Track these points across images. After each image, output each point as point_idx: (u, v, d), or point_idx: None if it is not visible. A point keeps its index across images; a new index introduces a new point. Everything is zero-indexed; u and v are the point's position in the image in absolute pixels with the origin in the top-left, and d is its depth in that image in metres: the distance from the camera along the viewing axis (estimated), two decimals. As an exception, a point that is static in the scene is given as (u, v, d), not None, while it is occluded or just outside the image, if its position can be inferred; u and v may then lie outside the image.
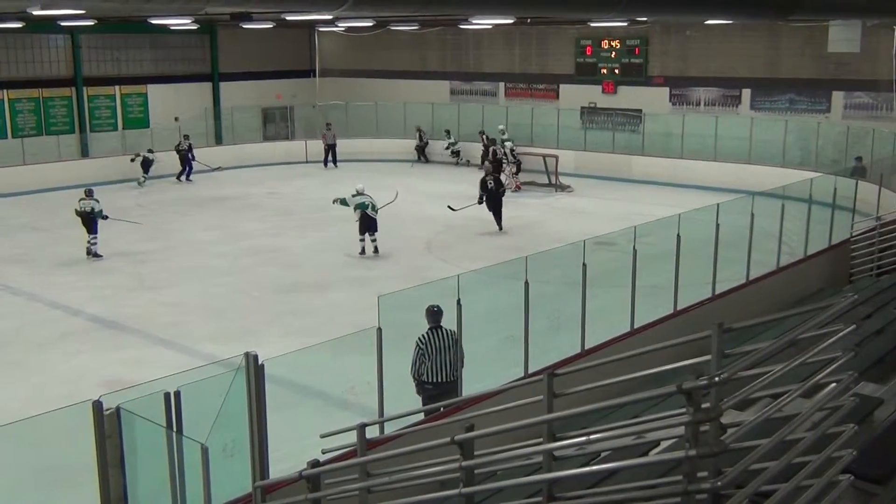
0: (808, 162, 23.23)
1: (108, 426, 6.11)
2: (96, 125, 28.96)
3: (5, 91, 26.97)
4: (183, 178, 26.88)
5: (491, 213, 19.73)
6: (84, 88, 28.52)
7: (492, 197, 19.70)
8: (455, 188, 23.99)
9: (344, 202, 17.90)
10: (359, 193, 17.77)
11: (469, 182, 24.39)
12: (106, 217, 17.83)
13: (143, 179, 25.90)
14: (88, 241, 17.58)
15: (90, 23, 25.12)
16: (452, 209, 20.36)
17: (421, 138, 30.18)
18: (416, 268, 16.38)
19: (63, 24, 25.87)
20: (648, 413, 5.71)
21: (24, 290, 15.40)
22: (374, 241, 17.60)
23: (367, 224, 17.56)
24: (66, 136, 28.02)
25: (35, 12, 15.66)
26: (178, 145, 27.17)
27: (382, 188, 22.60)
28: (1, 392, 10.96)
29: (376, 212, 17.58)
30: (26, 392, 10.88)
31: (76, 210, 17.80)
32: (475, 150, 27.87)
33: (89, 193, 18.12)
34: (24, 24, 24.17)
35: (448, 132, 29.43)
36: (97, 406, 6.06)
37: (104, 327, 13.53)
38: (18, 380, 11.44)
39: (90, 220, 17.59)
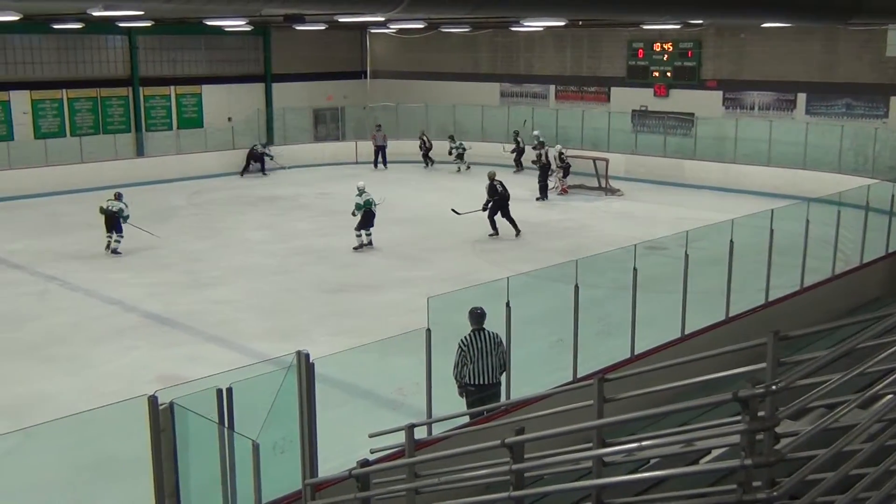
0: (864, 168, 22.78)
1: (163, 421, 6.21)
2: (151, 125, 29.48)
3: (64, 91, 27.56)
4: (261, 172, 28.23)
5: (490, 219, 19.31)
6: (140, 88, 29.04)
7: (500, 202, 19.35)
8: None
9: (359, 207, 18.20)
10: (361, 192, 18.30)
11: (523, 185, 24.38)
12: (127, 218, 18.25)
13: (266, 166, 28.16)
14: (113, 239, 18.14)
15: (147, 24, 25.59)
16: (456, 213, 20.18)
17: (425, 143, 30.05)
18: (465, 270, 16.39)
19: (121, 25, 26.38)
20: (697, 421, 5.66)
21: (81, 286, 15.73)
22: (369, 234, 18.29)
23: (368, 219, 18.19)
24: (123, 135, 28.55)
25: (96, 13, 15.99)
26: (255, 147, 28.43)
27: (430, 190, 22.71)
28: (58, 386, 11.20)
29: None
30: (83, 386, 11.11)
31: (101, 208, 18.28)
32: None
33: (118, 197, 18.57)
34: (83, 24, 24.70)
35: (452, 137, 29.34)
36: (152, 401, 6.17)
37: (158, 324, 13.76)
38: (75, 374, 11.69)
39: (115, 220, 18.14)
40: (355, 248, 18.10)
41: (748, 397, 3.39)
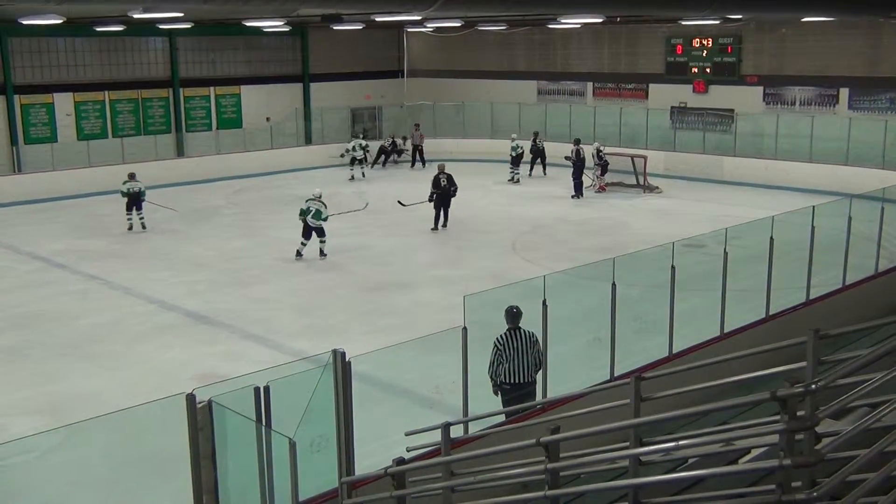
0: (909, 164, 22.39)
1: (201, 418, 6.27)
2: (192, 125, 29.81)
3: (106, 92, 27.97)
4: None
5: (435, 211, 19.78)
6: (180, 89, 29.38)
7: (443, 195, 19.73)
8: (542, 189, 23.89)
9: (301, 213, 17.40)
10: (309, 199, 17.46)
11: (556, 183, 24.25)
12: (145, 199, 20.23)
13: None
14: (137, 217, 20.15)
15: (187, 25, 25.87)
16: (402, 204, 20.73)
17: (394, 143, 30.02)
18: (502, 268, 16.36)
19: (161, 27, 26.71)
20: (735, 420, 5.59)
21: (122, 284, 15.94)
22: (305, 244, 17.40)
23: (310, 230, 17.29)
24: (163, 136, 28.92)
25: (136, 15, 16.20)
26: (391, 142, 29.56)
27: (467, 188, 22.68)
28: (99, 383, 11.37)
29: (323, 220, 17.24)
30: (123, 384, 11.26)
31: (123, 192, 20.17)
32: (552, 149, 27.47)
33: (132, 176, 20.32)
34: (124, 27, 25.04)
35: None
36: (191, 399, 6.23)
37: (197, 322, 13.91)
38: (116, 371, 11.85)
39: (137, 200, 20.08)
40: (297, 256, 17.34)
41: (787, 396, 3.34)
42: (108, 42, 27.54)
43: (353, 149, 27.43)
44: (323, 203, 17.41)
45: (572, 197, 23.46)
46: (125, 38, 27.67)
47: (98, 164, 25.93)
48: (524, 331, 8.68)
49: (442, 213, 19.79)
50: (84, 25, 24.55)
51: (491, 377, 8.76)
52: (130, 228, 20.06)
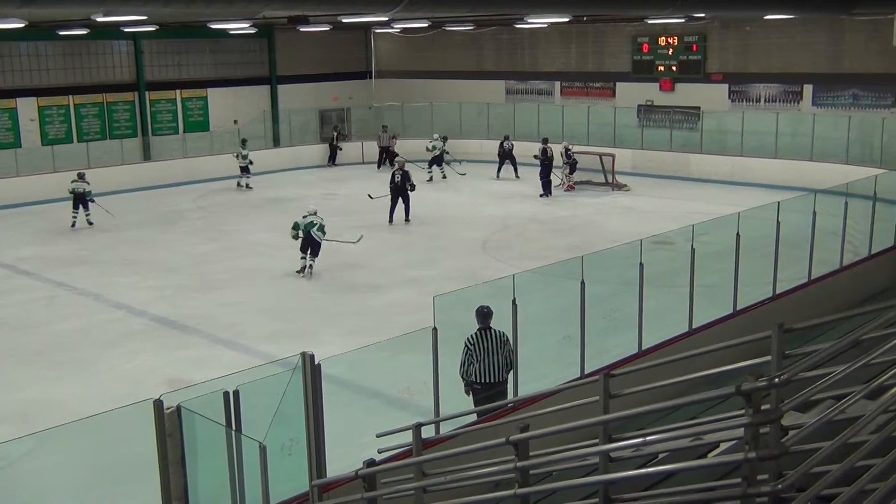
0: (872, 159, 22.66)
1: (170, 424, 6.22)
2: (158, 129, 29.54)
3: (70, 96, 27.65)
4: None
5: (391, 205, 20.42)
6: (146, 93, 29.12)
7: (397, 190, 20.35)
8: (512, 188, 23.96)
9: (296, 227, 16.51)
10: (308, 214, 16.66)
11: (526, 183, 24.32)
12: (93, 200, 21.05)
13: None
14: (85, 214, 20.98)
15: (152, 28, 25.63)
16: (371, 197, 21.31)
17: (336, 138, 29.94)
18: (472, 268, 16.38)
19: (126, 30, 26.44)
20: (706, 415, 5.63)
21: (89, 290, 15.77)
22: (312, 259, 16.41)
23: (308, 244, 16.38)
24: (129, 140, 28.62)
25: (99, 19, 16.03)
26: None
27: (437, 188, 22.70)
28: (67, 391, 11.24)
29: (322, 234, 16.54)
30: (92, 391, 11.14)
31: (69, 190, 21.01)
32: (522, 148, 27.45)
33: (82, 176, 21.22)
34: (88, 30, 24.76)
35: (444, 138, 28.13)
36: (158, 404, 6.18)
37: (166, 327, 13.79)
38: (84, 378, 11.72)
39: (83, 199, 20.92)
40: (297, 272, 16.45)
41: (751, 390, 3.37)
42: (72, 46, 27.23)
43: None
44: (321, 219, 16.61)
45: (541, 196, 23.53)
46: (89, 42, 27.36)
47: (63, 170, 25.54)
48: (495, 330, 8.69)
49: (400, 206, 20.34)
50: (47, 29, 24.25)
51: (462, 377, 8.76)
52: (73, 226, 20.81)
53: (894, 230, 14.18)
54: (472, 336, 8.69)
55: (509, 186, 25.38)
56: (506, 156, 26.96)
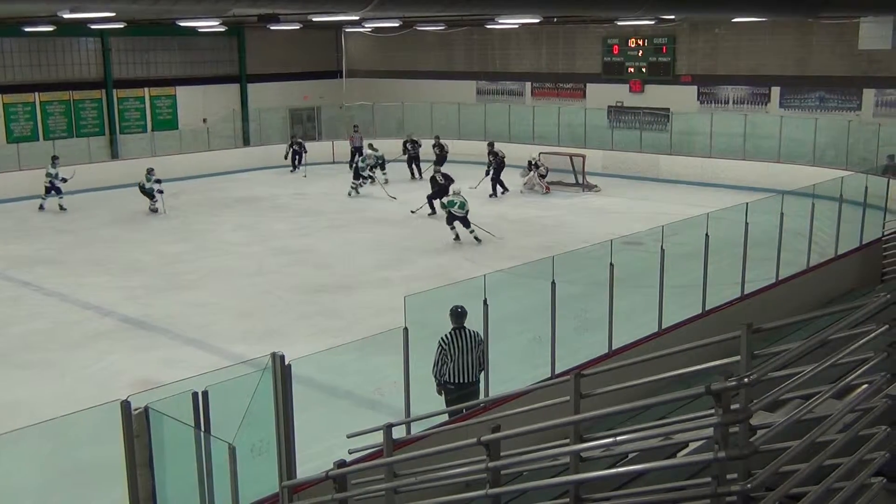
0: (838, 161, 22.95)
1: (137, 426, 6.15)
2: (126, 127, 29.25)
3: (36, 94, 27.30)
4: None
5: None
6: (114, 91, 28.81)
7: (440, 191, 20.37)
8: (481, 188, 23.95)
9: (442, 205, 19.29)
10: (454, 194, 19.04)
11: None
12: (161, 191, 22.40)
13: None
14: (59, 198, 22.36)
15: (120, 25, 25.36)
16: (413, 212, 21.38)
17: (296, 144, 28.80)
18: (443, 268, 16.37)
19: (93, 27, 26.15)
20: (676, 414, 5.67)
21: (56, 290, 15.57)
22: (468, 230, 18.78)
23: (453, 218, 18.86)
24: (96, 138, 28.32)
25: (66, 15, 15.84)
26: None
27: (409, 189, 22.64)
28: (33, 392, 11.08)
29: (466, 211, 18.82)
30: (58, 392, 10.99)
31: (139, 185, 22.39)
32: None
33: (150, 172, 22.46)
34: (54, 27, 24.45)
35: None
36: (125, 406, 6.11)
37: (135, 328, 13.65)
38: (51, 379, 11.57)
39: (150, 193, 22.37)
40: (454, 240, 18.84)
41: (721, 390, 3.40)
42: (38, 42, 26.87)
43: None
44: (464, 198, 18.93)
45: (490, 196, 23.48)
46: (55, 39, 27.03)
47: (28, 168, 25.26)
48: (469, 330, 8.70)
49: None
50: (12, 25, 23.91)
51: (435, 377, 8.76)
52: (156, 211, 22.20)
53: (859, 231, 14.36)
54: (446, 336, 8.69)
55: (482, 186, 25.33)
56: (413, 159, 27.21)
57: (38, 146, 26.60)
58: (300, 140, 29.01)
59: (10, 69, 26.77)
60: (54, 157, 23.34)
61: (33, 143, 26.81)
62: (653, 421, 5.54)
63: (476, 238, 18.57)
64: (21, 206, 23.12)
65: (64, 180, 22.47)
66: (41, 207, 22.90)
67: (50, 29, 24.72)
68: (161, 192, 22.37)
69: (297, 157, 28.51)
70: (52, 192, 22.73)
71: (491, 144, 24.51)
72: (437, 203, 20.44)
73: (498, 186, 23.90)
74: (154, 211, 22.29)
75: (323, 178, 27.51)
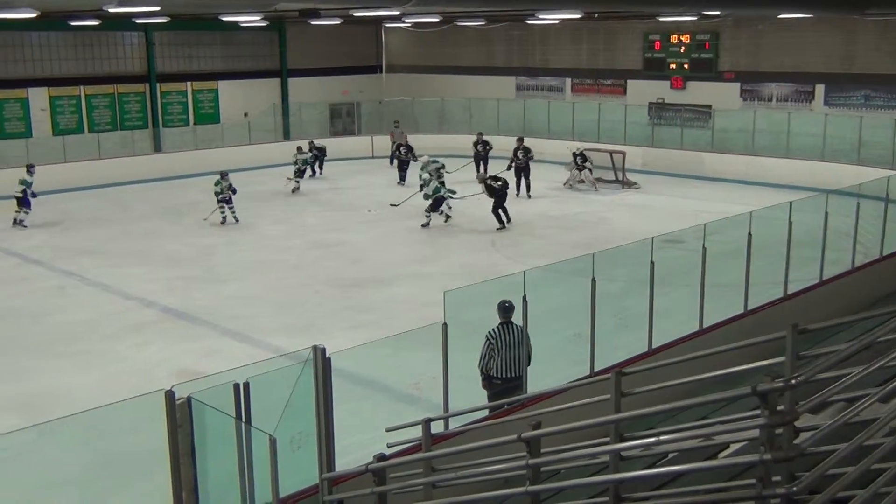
0: (884, 160, 22.57)
1: (180, 416, 6.22)
2: (168, 121, 29.59)
3: (82, 87, 27.70)
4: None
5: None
6: (157, 84, 29.16)
7: (494, 193, 19.46)
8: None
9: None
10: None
11: (535, 180, 24.24)
12: (232, 194, 20.46)
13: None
14: (23, 211, 20.09)
15: (163, 20, 25.64)
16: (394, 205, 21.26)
17: (316, 149, 27.08)
18: (481, 264, 16.36)
19: (137, 21, 26.47)
20: (715, 415, 5.62)
21: (98, 281, 15.80)
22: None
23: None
24: (140, 132, 28.69)
25: (111, 10, 16.03)
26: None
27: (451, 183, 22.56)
28: (76, 382, 11.26)
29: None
30: (100, 382, 11.16)
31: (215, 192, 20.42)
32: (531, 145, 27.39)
33: (224, 176, 20.46)
34: (99, 21, 24.79)
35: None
36: (169, 396, 6.17)
37: (175, 318, 13.81)
38: (93, 370, 11.74)
39: (226, 200, 20.37)
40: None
41: (767, 391, 3.35)
42: (84, 36, 27.26)
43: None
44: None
45: (517, 195, 23.00)
46: (100, 33, 27.41)
47: (74, 160, 25.69)
48: (516, 325, 8.68)
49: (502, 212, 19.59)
50: (59, 20, 24.28)
51: (481, 370, 8.76)
52: (223, 222, 20.31)
53: (906, 232, 14.10)
54: (493, 330, 8.69)
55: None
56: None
57: (82, 139, 27.04)
58: (321, 146, 27.31)
59: (57, 63, 27.18)
60: (30, 166, 21.02)
61: (79, 135, 27.24)
62: (692, 421, 5.49)
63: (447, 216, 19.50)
64: (66, 197, 23.48)
65: (34, 195, 20.20)
66: (15, 223, 20.15)
67: (95, 23, 25.05)
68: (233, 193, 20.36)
69: (316, 161, 26.89)
70: (23, 203, 20.13)
71: (520, 140, 23.87)
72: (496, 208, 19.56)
73: (522, 186, 23.10)
74: (223, 220, 20.30)
75: (361, 173, 27.59)
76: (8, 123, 26.38)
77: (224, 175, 20.44)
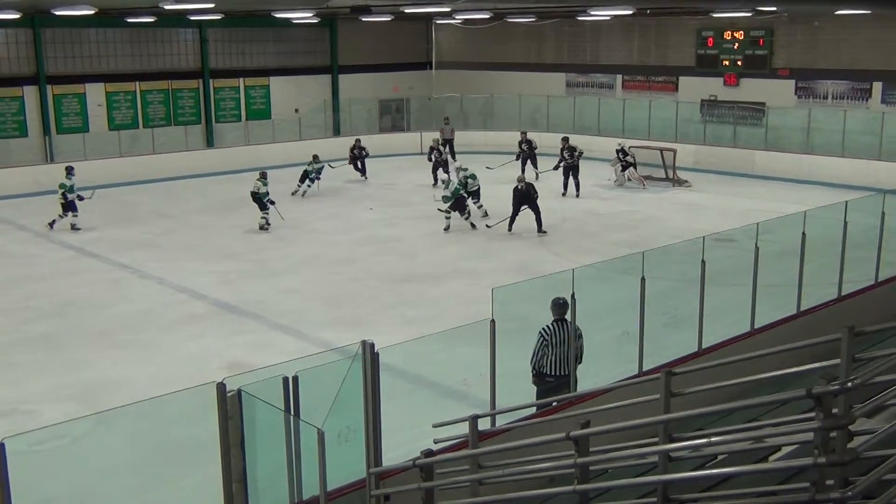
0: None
1: (231, 407, 6.30)
2: (221, 116, 29.98)
3: (137, 83, 28.19)
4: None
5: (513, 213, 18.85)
6: (210, 80, 29.55)
7: (522, 198, 18.66)
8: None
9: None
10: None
11: (584, 177, 24.13)
12: (272, 202, 19.64)
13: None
14: (262, 216, 19.42)
15: (217, 17, 26.01)
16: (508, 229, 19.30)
17: (358, 149, 26.03)
18: (529, 261, 16.33)
19: (191, 18, 26.87)
20: (767, 417, 5.55)
21: (153, 273, 16.08)
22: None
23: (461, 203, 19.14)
24: (193, 127, 29.13)
25: (168, 7, 16.30)
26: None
27: (497, 181, 22.58)
28: (131, 372, 11.48)
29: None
30: (154, 372, 11.36)
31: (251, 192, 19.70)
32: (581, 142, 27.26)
33: (263, 176, 19.74)
34: (155, 18, 25.24)
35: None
36: (221, 388, 6.26)
37: (227, 311, 14.00)
38: (147, 361, 11.96)
39: (260, 201, 19.47)
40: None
41: (822, 394, 3.31)
42: (139, 33, 27.74)
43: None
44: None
45: (562, 195, 22.71)
46: (156, 30, 27.87)
47: (129, 154, 26.19)
48: (570, 322, 8.65)
49: (529, 216, 18.72)
50: (116, 17, 24.76)
51: (533, 366, 8.75)
52: (262, 228, 19.26)
53: (966, 233, 13.75)
54: (548, 326, 8.68)
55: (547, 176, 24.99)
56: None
57: (138, 134, 27.56)
58: (363, 146, 26.13)
59: (114, 59, 27.69)
60: (69, 168, 20.35)
61: (134, 130, 27.74)
62: (741, 423, 5.42)
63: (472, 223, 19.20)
64: (122, 191, 23.92)
65: (80, 198, 19.69)
66: (51, 225, 19.55)
67: (151, 20, 25.52)
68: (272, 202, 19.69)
69: (358, 161, 25.91)
70: (67, 209, 19.53)
71: (566, 139, 23.47)
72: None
73: (570, 185, 22.82)
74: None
75: (410, 168, 27.67)
76: (66, 118, 26.94)
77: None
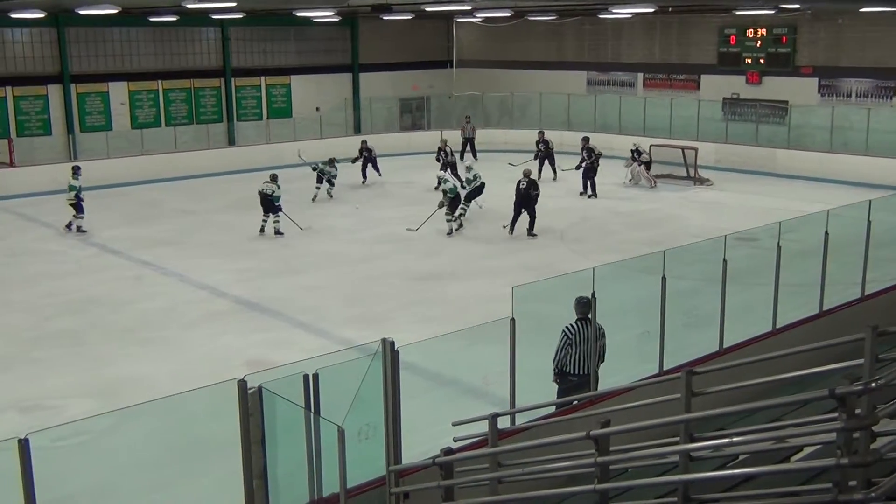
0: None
1: (251, 405, 6.33)
2: (242, 115, 30.13)
3: (159, 81, 28.38)
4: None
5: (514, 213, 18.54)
6: (232, 79, 29.70)
7: (522, 198, 18.44)
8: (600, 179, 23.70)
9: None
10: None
11: (603, 175, 24.05)
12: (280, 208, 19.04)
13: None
14: (274, 221, 18.86)
15: (239, 16, 26.13)
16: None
17: (366, 151, 25.61)
18: (550, 259, 16.29)
19: (213, 17, 27.01)
20: (788, 417, 5.51)
21: (175, 271, 16.18)
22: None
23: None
24: (215, 125, 29.29)
25: (190, 6, 16.40)
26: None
27: (507, 180, 22.54)
28: (152, 369, 11.56)
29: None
30: (175, 369, 11.43)
31: (259, 191, 19.12)
32: (601, 140, 27.24)
33: (274, 178, 19.28)
34: (177, 17, 25.39)
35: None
36: (242, 385, 6.29)
37: (247, 309, 14.07)
38: (168, 358, 12.04)
39: (270, 204, 18.85)
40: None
41: (845, 394, 3.28)
42: (162, 32, 27.92)
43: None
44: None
45: (580, 194, 22.70)
46: (178, 29, 28.04)
47: (151, 153, 26.37)
48: (593, 322, 8.63)
49: (525, 215, 18.54)
50: (139, 16, 24.92)
51: (555, 364, 8.74)
52: (264, 231, 18.91)
53: None
54: (571, 325, 8.67)
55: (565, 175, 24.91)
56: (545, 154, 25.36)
57: (160, 132, 27.74)
58: (370, 147, 25.63)
59: (136, 58, 27.89)
60: (76, 168, 19.90)
61: (156, 129, 27.93)
62: (763, 423, 5.39)
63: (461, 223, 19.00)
64: (143, 189, 24.11)
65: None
66: (69, 227, 19.34)
67: (173, 19, 25.68)
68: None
69: (368, 164, 25.31)
70: (79, 210, 19.24)
71: (586, 139, 23.48)
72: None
73: (589, 186, 22.67)
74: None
75: (431, 167, 27.64)
76: (89, 117, 27.16)
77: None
